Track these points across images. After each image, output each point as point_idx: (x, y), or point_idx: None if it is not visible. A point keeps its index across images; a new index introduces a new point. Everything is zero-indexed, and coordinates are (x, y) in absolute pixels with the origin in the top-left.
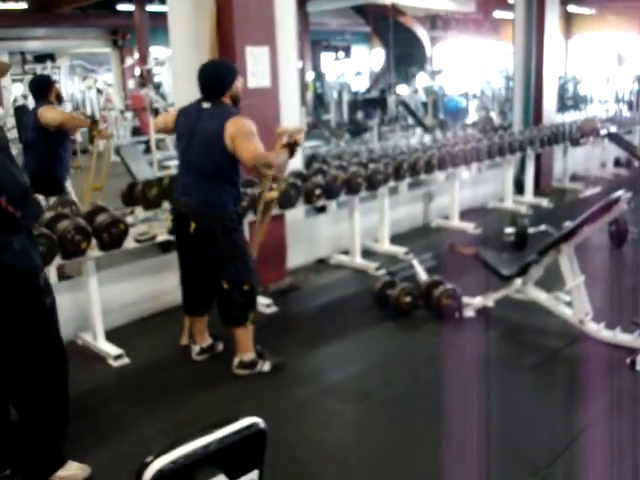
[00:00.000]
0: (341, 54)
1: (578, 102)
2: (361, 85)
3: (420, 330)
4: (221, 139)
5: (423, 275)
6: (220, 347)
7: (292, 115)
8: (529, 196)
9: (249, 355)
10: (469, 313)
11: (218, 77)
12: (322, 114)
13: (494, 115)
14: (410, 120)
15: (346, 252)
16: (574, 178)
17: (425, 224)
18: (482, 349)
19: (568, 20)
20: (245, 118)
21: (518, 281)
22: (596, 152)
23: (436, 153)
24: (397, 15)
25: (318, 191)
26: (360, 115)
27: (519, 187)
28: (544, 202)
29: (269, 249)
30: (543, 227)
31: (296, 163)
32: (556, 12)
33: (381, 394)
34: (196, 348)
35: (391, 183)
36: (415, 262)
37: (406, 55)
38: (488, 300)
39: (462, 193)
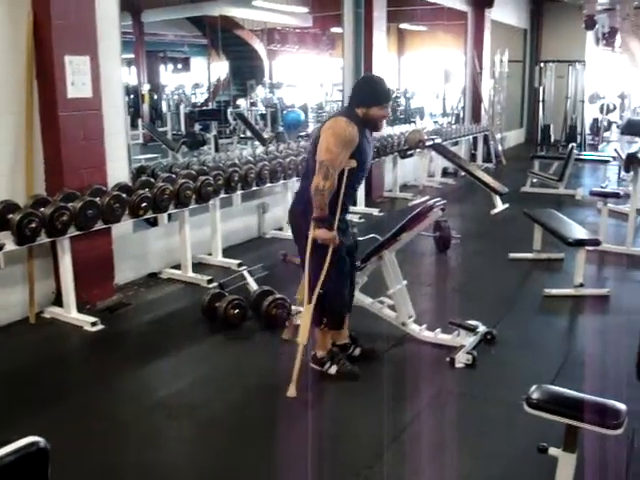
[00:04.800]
0: (179, 66)
1: (409, 116)
2: (200, 97)
3: (250, 341)
4: (319, 134)
5: (254, 286)
6: (356, 351)
7: (117, 126)
8: (361, 205)
9: (320, 352)
10: (299, 322)
11: (356, 88)
12: (159, 126)
13: None
14: (249, 132)
15: (178, 266)
16: (404, 187)
17: (260, 235)
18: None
19: (401, 37)
20: (347, 122)
21: None
22: (424, 162)
23: (268, 165)
24: (234, 28)
25: (144, 204)
26: (197, 127)
27: None
28: (375, 211)
29: (94, 265)
30: (371, 235)
31: (121, 176)
32: (383, 28)
33: (210, 408)
34: None
35: (222, 195)
36: (246, 273)
37: (244, 68)
38: None
39: None
